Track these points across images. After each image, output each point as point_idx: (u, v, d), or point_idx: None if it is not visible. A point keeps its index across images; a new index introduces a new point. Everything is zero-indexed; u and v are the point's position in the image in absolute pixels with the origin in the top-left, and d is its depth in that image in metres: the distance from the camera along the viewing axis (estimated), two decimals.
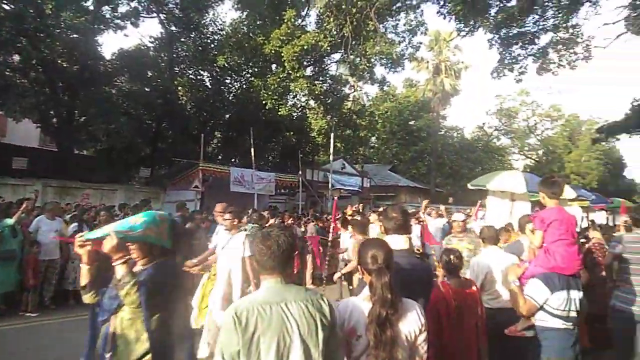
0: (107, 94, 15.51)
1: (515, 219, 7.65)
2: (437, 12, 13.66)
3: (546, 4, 13.36)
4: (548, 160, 38.85)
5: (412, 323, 1.98)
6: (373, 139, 31.10)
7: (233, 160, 20.72)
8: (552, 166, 37.04)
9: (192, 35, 19.73)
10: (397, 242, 2.51)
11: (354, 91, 22.23)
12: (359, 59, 17.56)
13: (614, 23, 12.28)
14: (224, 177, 14.06)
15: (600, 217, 14.28)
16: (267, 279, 1.89)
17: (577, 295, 3.00)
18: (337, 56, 19.91)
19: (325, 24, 15.75)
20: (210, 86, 20.61)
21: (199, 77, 20.52)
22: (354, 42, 13.56)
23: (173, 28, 19.49)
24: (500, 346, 3.36)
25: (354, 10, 11.10)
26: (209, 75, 20.71)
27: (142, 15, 18.54)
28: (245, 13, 19.23)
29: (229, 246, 4.88)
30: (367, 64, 17.69)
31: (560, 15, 13.33)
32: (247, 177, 14.36)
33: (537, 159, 40.84)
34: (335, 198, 11.70)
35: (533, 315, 3.01)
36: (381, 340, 1.84)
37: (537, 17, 14.02)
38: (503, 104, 38.93)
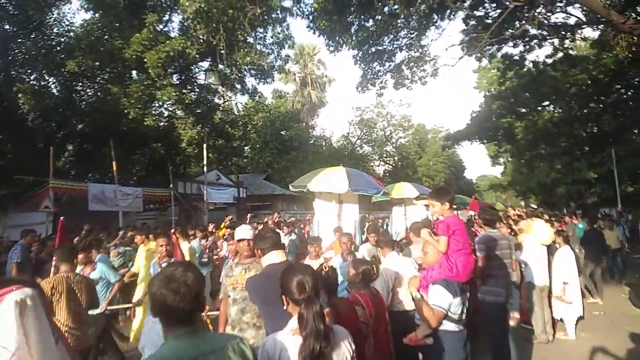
0: None
1: (346, 222, 7.16)
2: (307, 27, 14.12)
3: (399, 25, 14.75)
4: (403, 166, 43.00)
5: (344, 353, 1.89)
6: (246, 148, 30.88)
7: (90, 175, 18.56)
8: (406, 170, 41.07)
9: (33, 36, 17.19)
10: (276, 257, 2.81)
11: (225, 101, 21.82)
12: (229, 68, 17.25)
13: (459, 45, 14.08)
14: (80, 194, 12.48)
15: None
16: (174, 331, 1.54)
17: (466, 298, 3.19)
18: (205, 64, 19.32)
19: (192, 31, 15.13)
20: (58, 93, 18.17)
21: (43, 83, 17.94)
22: (223, 52, 13.26)
23: (7, 26, 16.77)
24: (400, 346, 3.42)
25: (226, 18, 10.85)
26: (55, 80, 18.26)
27: None
28: (98, 14, 17.48)
29: None
30: (238, 74, 17.46)
31: (412, 35, 14.84)
32: (109, 194, 12.97)
33: (393, 165, 44.90)
34: None
35: (441, 323, 3.05)
36: None
37: (392, 36, 15.42)
38: (363, 115, 42.08)
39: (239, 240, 3.60)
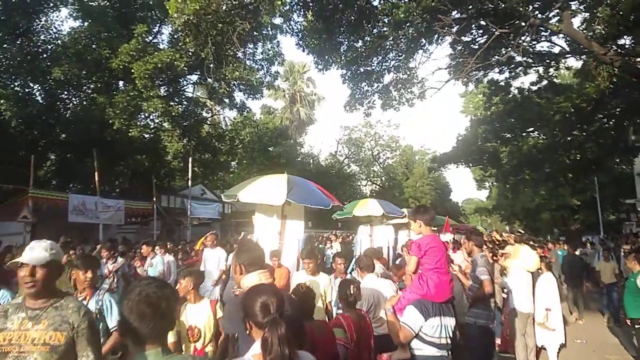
0: None
1: (288, 241, 6.03)
2: (296, 45, 14.21)
3: (388, 47, 14.92)
4: (390, 186, 43.09)
5: None
6: (233, 163, 30.67)
7: (72, 186, 18.17)
8: (393, 191, 41.16)
9: (19, 42, 17.00)
10: (261, 278, 2.32)
11: (212, 115, 21.72)
12: (217, 82, 17.22)
13: (445, 68, 14.28)
14: (61, 205, 12.20)
15: None
16: (143, 351, 1.46)
17: (449, 322, 3.09)
18: (194, 77, 19.27)
19: (181, 43, 15.11)
20: (42, 101, 17.87)
21: (27, 90, 17.63)
22: (212, 66, 13.24)
23: None
24: None
25: (215, 32, 10.84)
26: (40, 88, 17.97)
27: None
28: (87, 23, 17.40)
29: None
30: (227, 89, 17.42)
31: (400, 57, 15.01)
32: (90, 205, 12.69)
33: (380, 185, 44.99)
34: None
35: (409, 344, 2.99)
36: None
37: (380, 57, 15.57)
38: (351, 134, 42.29)
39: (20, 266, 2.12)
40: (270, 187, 5.82)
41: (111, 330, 3.41)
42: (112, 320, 3.43)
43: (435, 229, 14.88)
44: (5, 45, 16.53)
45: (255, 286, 2.03)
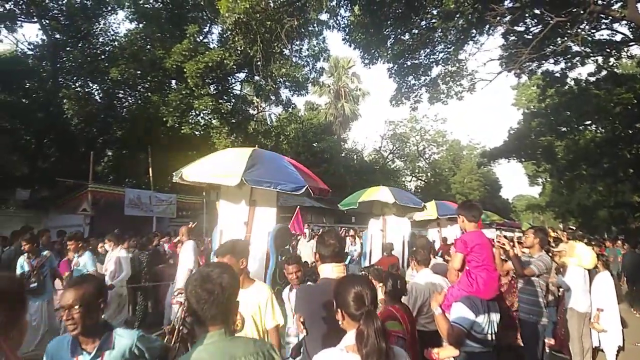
0: None
1: (257, 233, 4.77)
2: (343, 40, 14.22)
3: (436, 39, 14.60)
4: (436, 182, 42.18)
5: None
6: None
7: (127, 180, 19.11)
8: (439, 187, 40.25)
9: (80, 45, 18.07)
10: (333, 271, 2.35)
11: (259, 112, 22.10)
12: (265, 80, 17.52)
13: (497, 60, 13.81)
14: (117, 199, 12.84)
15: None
16: (206, 332, 1.55)
17: (495, 318, 3.06)
18: (242, 75, 19.70)
19: (230, 42, 15.50)
20: (100, 100, 18.90)
21: (87, 90, 18.71)
22: (260, 63, 13.51)
23: (57, 36, 17.71)
24: None
25: (263, 30, 11.05)
26: (99, 88, 19.01)
27: (19, 19, 16.64)
28: (142, 25, 18.20)
29: None
30: (273, 85, 17.70)
31: (449, 49, 14.65)
32: (145, 199, 13.31)
33: (426, 181, 44.12)
34: None
35: (462, 344, 2.90)
36: None
37: (428, 50, 15.27)
38: (396, 129, 41.72)
39: None
40: (226, 163, 4.61)
41: None
42: None
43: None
44: (68, 48, 17.60)
45: (348, 276, 2.05)
